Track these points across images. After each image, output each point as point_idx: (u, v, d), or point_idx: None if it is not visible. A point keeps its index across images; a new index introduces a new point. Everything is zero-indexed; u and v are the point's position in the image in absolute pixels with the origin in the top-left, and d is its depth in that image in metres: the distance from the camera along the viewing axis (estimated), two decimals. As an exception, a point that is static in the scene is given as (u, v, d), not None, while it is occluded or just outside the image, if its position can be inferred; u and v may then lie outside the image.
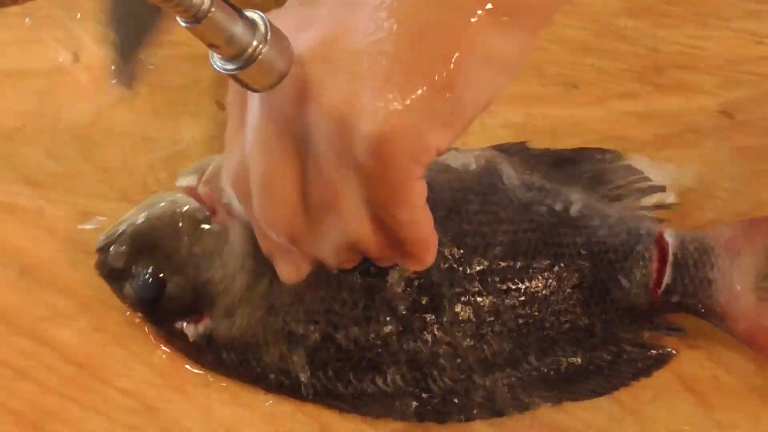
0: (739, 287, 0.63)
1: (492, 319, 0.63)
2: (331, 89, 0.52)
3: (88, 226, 0.70)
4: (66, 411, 0.65)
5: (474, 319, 0.63)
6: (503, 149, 0.68)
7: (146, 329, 0.67)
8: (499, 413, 0.64)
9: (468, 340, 0.63)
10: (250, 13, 0.50)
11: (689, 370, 0.65)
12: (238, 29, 0.49)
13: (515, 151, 0.68)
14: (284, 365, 0.63)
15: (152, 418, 0.65)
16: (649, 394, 0.64)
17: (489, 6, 0.51)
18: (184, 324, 0.65)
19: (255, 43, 0.50)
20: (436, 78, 0.51)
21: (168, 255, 0.65)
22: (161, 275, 0.64)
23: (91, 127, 0.75)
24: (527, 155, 0.68)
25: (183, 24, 0.48)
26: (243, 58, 0.50)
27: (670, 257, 0.64)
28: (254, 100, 0.55)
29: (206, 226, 0.65)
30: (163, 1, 0.47)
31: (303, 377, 0.63)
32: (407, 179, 0.53)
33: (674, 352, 0.65)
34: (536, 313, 0.64)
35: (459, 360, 0.63)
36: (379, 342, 0.63)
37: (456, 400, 0.63)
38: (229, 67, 0.51)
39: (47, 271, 0.70)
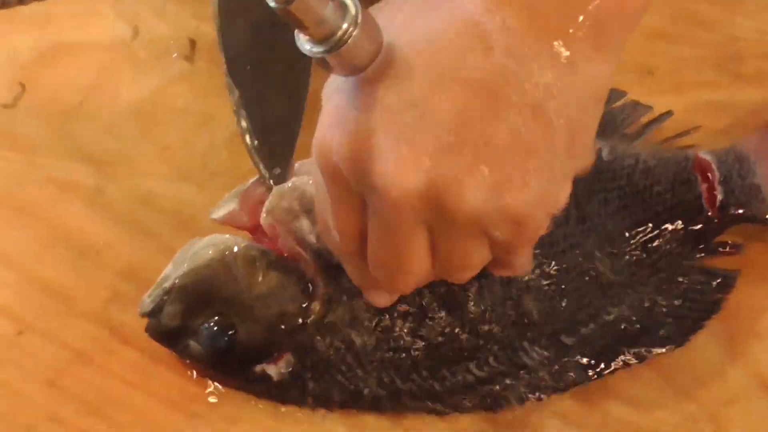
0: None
1: (563, 276, 0.63)
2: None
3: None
4: (128, 397, 0.63)
5: (547, 281, 0.63)
6: None
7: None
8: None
9: (545, 301, 0.62)
10: None
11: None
12: (329, 11, 0.47)
13: None
14: (378, 377, 0.61)
15: (216, 407, 0.63)
16: (726, 395, 0.62)
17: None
18: (265, 366, 0.62)
19: (345, 25, 0.48)
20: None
21: (229, 300, 0.61)
22: (229, 322, 0.61)
23: (151, 104, 0.73)
24: None
25: (272, 4, 0.46)
26: (332, 41, 0.48)
27: (717, 174, 0.65)
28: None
29: (263, 261, 0.62)
30: None
31: (399, 383, 0.61)
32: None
33: (738, 271, 0.65)
34: (599, 263, 0.64)
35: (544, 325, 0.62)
36: (467, 328, 0.61)
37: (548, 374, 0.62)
38: (317, 49, 0.49)
39: (107, 252, 0.68)
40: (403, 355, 0.62)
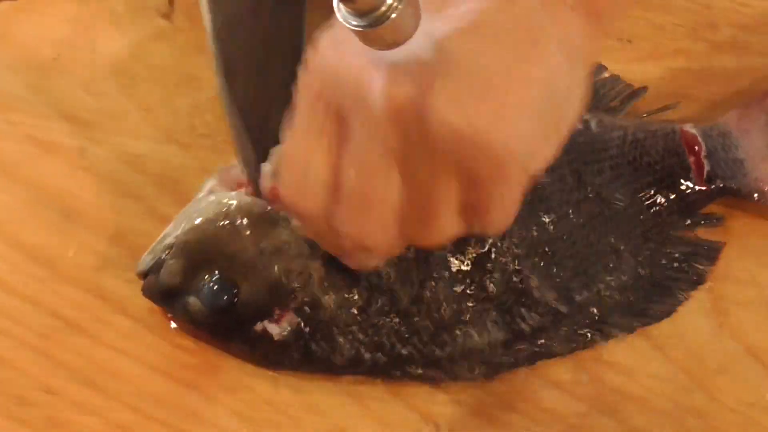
0: (762, 160, 0.68)
1: (560, 243, 0.64)
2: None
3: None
4: (123, 367, 0.62)
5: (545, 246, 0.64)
6: None
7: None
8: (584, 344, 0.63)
9: (540, 264, 0.63)
10: None
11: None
12: None
13: None
14: (379, 340, 0.61)
15: (214, 374, 0.62)
16: (716, 364, 0.64)
17: None
18: (266, 324, 0.61)
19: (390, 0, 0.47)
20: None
21: (232, 257, 0.60)
22: (231, 279, 0.60)
23: (131, 61, 0.71)
24: None
25: None
26: (375, 15, 0.47)
27: (703, 147, 0.67)
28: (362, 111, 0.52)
29: (268, 218, 0.61)
30: None
31: (399, 347, 0.61)
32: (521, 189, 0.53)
33: (723, 242, 0.67)
34: (594, 231, 0.65)
35: (540, 292, 0.63)
36: (469, 291, 0.62)
37: (543, 340, 0.63)
38: (358, 22, 0.48)
39: (93, 215, 0.66)
40: (403, 318, 0.62)
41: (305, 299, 0.61)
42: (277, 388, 0.62)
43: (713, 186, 0.67)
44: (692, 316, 0.65)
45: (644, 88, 0.71)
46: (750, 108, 0.70)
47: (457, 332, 0.62)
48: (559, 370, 0.63)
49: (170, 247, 0.61)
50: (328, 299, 0.61)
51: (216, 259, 0.61)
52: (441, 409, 0.62)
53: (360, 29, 0.48)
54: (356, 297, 0.61)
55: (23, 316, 0.63)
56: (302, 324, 0.61)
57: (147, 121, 0.69)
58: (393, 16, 0.47)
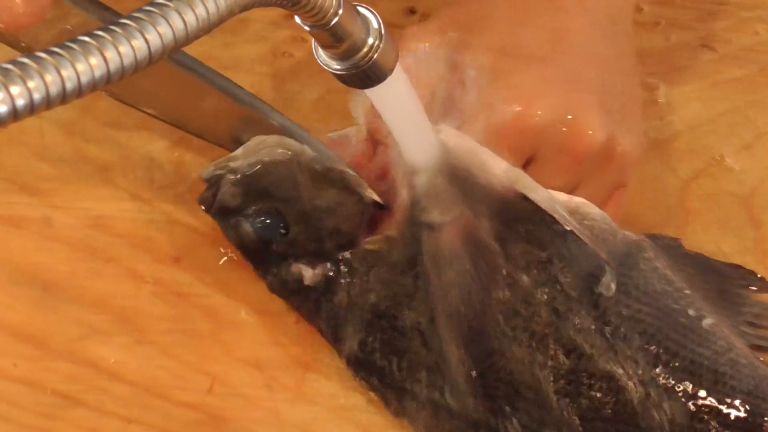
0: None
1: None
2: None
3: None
4: (130, 433, 0.62)
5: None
6: (655, 238, 0.65)
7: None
8: None
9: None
10: (362, 9, 0.48)
11: None
12: (357, 27, 0.47)
13: (666, 245, 0.66)
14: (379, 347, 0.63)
15: (221, 428, 0.63)
16: None
17: None
18: (302, 267, 0.63)
19: (371, 40, 0.48)
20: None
21: (288, 201, 0.63)
22: (283, 219, 0.63)
23: (80, 122, 0.71)
24: (677, 253, 0.66)
25: (307, 28, 0.46)
26: (357, 58, 0.48)
27: None
28: None
29: (326, 175, 0.63)
30: (292, 7, 0.43)
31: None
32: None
33: None
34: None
35: None
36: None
37: None
38: (342, 66, 0.49)
39: (71, 285, 0.66)
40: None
41: (346, 261, 0.63)
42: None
43: None
44: None
45: None
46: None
47: None
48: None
49: (235, 171, 0.63)
50: (364, 273, 0.63)
51: (272, 199, 0.63)
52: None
53: (344, 73, 0.49)
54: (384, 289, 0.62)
55: (19, 397, 0.62)
56: (331, 280, 0.63)
57: (107, 181, 0.69)
58: (375, 56, 0.48)
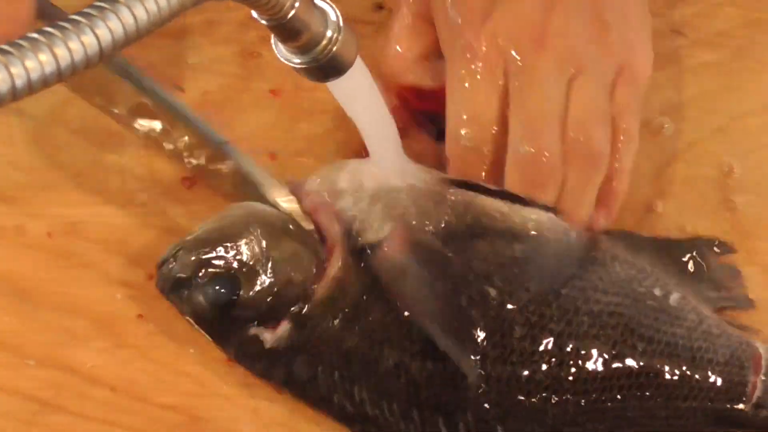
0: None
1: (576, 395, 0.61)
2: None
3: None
4: (111, 437, 0.62)
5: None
6: (609, 232, 0.65)
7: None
8: None
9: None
10: (319, 2, 0.48)
11: None
12: (315, 20, 0.47)
13: (621, 235, 0.66)
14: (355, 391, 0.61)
15: (202, 428, 0.63)
16: None
17: None
18: (262, 330, 0.61)
19: (330, 33, 0.48)
20: None
21: (241, 259, 0.61)
22: (236, 279, 0.61)
23: (50, 129, 0.70)
24: (634, 240, 0.66)
25: (265, 23, 0.46)
26: (317, 51, 0.48)
27: (763, 368, 0.62)
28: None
29: (281, 228, 0.62)
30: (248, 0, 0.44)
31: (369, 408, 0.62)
32: None
33: None
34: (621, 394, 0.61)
35: None
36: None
37: None
38: (302, 60, 0.49)
39: (47, 292, 0.66)
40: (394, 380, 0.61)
41: (302, 314, 0.61)
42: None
43: (757, 413, 0.62)
44: None
45: (752, 302, 0.67)
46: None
47: None
48: None
49: (186, 242, 0.62)
50: (324, 323, 0.61)
51: (224, 259, 0.61)
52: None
53: (305, 66, 0.49)
54: (346, 336, 0.61)
55: (1, 406, 0.63)
56: (294, 339, 0.61)
57: (79, 187, 0.69)
58: (335, 49, 0.48)
